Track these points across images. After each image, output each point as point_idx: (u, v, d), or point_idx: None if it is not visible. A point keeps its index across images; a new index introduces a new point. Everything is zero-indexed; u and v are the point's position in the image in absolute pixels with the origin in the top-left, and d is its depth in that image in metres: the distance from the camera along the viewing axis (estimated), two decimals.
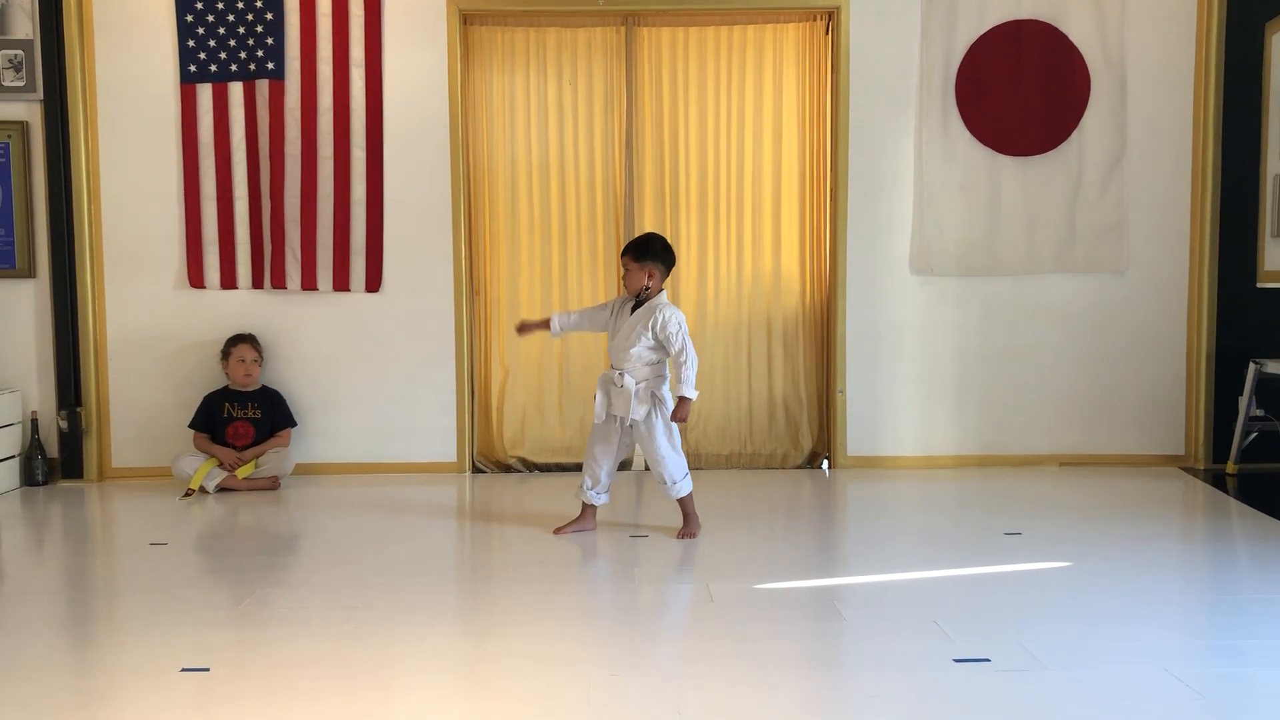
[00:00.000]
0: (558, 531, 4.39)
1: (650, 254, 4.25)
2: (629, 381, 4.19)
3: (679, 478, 4.31)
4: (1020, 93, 5.51)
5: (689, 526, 4.35)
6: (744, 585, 3.71)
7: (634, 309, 4.27)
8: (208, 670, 3.01)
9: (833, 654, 3.16)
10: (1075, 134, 5.52)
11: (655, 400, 4.24)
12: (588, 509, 4.44)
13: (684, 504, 4.37)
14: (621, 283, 4.37)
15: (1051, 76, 5.51)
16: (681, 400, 4.15)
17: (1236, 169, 5.50)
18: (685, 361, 4.15)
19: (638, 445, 4.37)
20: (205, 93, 5.44)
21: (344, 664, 3.04)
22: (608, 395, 4.27)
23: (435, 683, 2.96)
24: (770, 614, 3.43)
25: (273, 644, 3.22)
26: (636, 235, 4.44)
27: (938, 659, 3.03)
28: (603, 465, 4.35)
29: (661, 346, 4.21)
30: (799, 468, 5.71)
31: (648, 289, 4.24)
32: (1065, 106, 5.51)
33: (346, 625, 3.37)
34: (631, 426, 4.28)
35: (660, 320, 4.18)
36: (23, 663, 3.09)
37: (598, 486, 4.37)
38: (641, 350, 4.22)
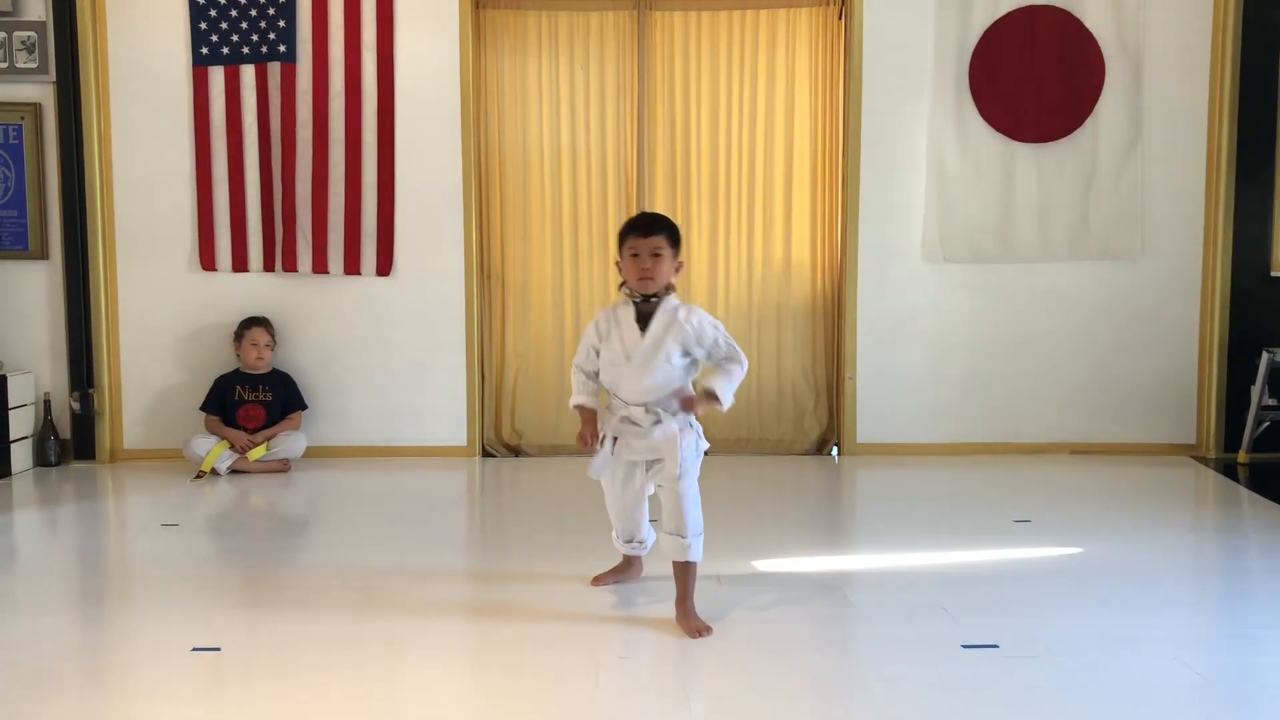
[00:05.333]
0: (597, 581, 3.53)
1: (679, 237, 3.24)
2: (669, 424, 3.15)
3: (699, 531, 3.22)
4: (1034, 79, 5.47)
5: (695, 617, 3.14)
6: (752, 570, 3.72)
7: (638, 319, 3.17)
8: (219, 650, 3.02)
9: (841, 639, 3.16)
10: (1090, 121, 5.49)
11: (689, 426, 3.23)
12: (623, 562, 3.56)
13: (690, 573, 3.19)
14: (625, 276, 3.21)
15: (1066, 62, 5.47)
16: (712, 398, 3.14)
17: (1252, 157, 5.46)
18: (738, 361, 3.18)
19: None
20: (217, 75, 5.44)
21: (354, 644, 3.06)
22: (627, 445, 3.21)
23: (444, 664, 2.97)
24: (778, 599, 3.43)
25: (283, 624, 3.23)
26: (641, 214, 3.44)
27: (946, 645, 3.03)
28: (640, 517, 3.40)
29: (693, 362, 3.21)
30: (808, 454, 5.70)
31: (670, 287, 3.19)
32: (1080, 93, 5.48)
33: (357, 606, 3.38)
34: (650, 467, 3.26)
35: (696, 332, 3.14)
36: (36, 641, 3.11)
37: (639, 536, 3.44)
38: (673, 375, 3.16)
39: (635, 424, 3.17)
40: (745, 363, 3.19)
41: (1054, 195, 5.52)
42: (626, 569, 3.54)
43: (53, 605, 3.46)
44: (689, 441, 3.17)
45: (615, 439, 3.21)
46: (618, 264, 3.23)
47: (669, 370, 3.14)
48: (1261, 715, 2.63)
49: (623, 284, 3.22)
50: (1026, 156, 5.51)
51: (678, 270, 3.19)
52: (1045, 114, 5.49)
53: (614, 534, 3.47)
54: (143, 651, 3.04)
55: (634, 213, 5.55)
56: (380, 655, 3.00)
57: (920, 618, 3.25)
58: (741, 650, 3.00)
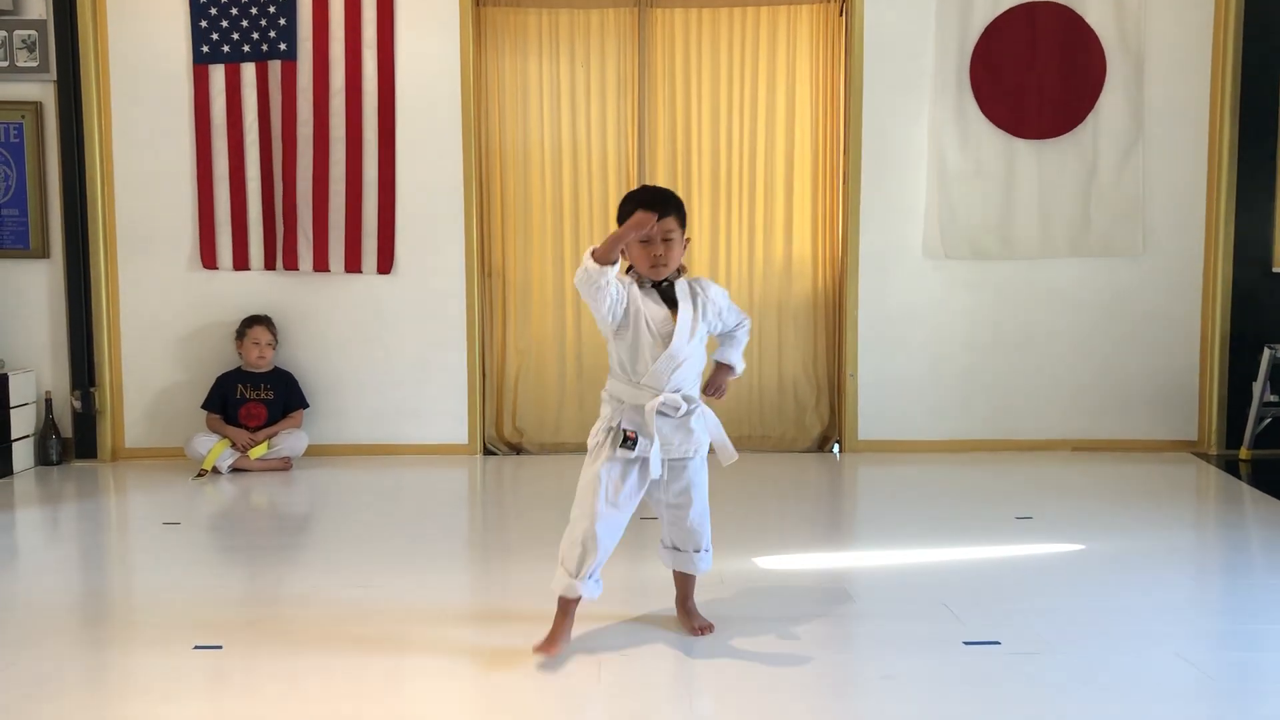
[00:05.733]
0: (546, 650, 2.94)
1: (685, 212, 2.98)
2: (708, 412, 3.00)
3: (710, 543, 3.10)
4: (1035, 75, 5.47)
5: (698, 615, 3.13)
6: (754, 567, 3.72)
7: (663, 298, 2.94)
8: (220, 648, 3.02)
9: (843, 636, 3.16)
10: (1091, 117, 5.48)
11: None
12: (570, 605, 2.98)
13: (692, 584, 3.15)
14: (632, 262, 2.94)
15: (1067, 59, 5.46)
16: (728, 369, 3.10)
17: (1253, 153, 5.45)
18: (745, 324, 3.12)
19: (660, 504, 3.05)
20: (218, 73, 5.44)
21: (355, 642, 3.06)
22: (665, 439, 2.91)
23: (446, 661, 2.96)
24: (780, 596, 3.44)
25: (285, 622, 3.23)
26: (642, 189, 3.03)
27: (948, 642, 3.03)
28: (613, 541, 2.97)
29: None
30: (809, 451, 5.70)
31: (682, 269, 3.00)
32: (1081, 89, 5.48)
33: (358, 604, 3.38)
34: (662, 474, 2.95)
35: (716, 305, 2.99)
36: (37, 640, 3.11)
37: (596, 571, 2.96)
38: (703, 355, 3.00)
39: (668, 415, 2.89)
40: (749, 320, 3.13)
41: (1055, 192, 5.51)
42: (568, 619, 2.98)
43: (54, 604, 3.46)
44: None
45: (635, 435, 2.88)
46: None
47: (701, 351, 2.97)
48: (1264, 711, 2.63)
49: (629, 269, 2.94)
50: (1027, 153, 5.50)
51: (685, 246, 2.96)
52: (1046, 111, 5.48)
53: (572, 570, 2.91)
54: (145, 649, 3.04)
55: None
56: (382, 653, 2.99)
57: (922, 615, 3.25)
58: (743, 647, 3.00)
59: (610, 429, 2.90)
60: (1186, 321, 5.60)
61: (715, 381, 3.08)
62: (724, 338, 3.11)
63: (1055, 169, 5.51)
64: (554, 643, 2.92)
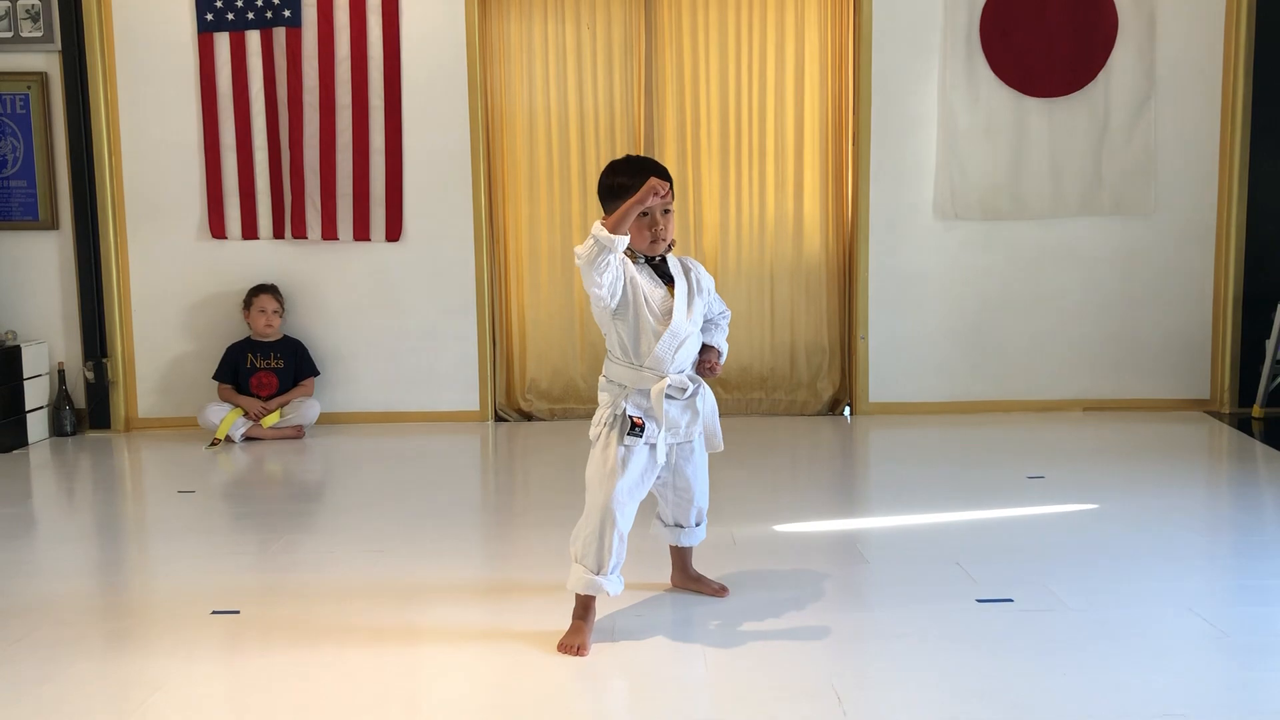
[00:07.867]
0: (578, 652, 2.76)
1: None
2: (708, 393, 2.94)
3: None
4: (1046, 33, 5.41)
5: (707, 578, 3.17)
6: (766, 529, 3.73)
7: (658, 274, 2.87)
8: (238, 613, 3.05)
9: (856, 595, 3.17)
10: (1102, 74, 5.43)
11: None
12: (591, 602, 2.88)
13: (691, 551, 3.16)
14: (642, 236, 2.82)
15: (1078, 15, 5.40)
16: (716, 353, 2.99)
17: (1267, 108, 5.39)
18: (727, 312, 3.07)
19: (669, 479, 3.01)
20: (223, 41, 5.41)
21: (370, 607, 3.08)
22: (673, 422, 2.87)
23: (460, 625, 2.98)
24: (793, 557, 3.45)
25: (300, 587, 3.26)
26: (627, 159, 2.91)
27: (961, 599, 3.04)
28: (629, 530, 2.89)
29: None
30: (820, 414, 5.70)
31: (673, 242, 2.91)
32: (1092, 46, 5.42)
33: (373, 569, 3.41)
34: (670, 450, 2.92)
35: (708, 284, 2.95)
36: (55, 607, 3.14)
37: (619, 566, 2.89)
38: (699, 337, 2.95)
39: (675, 397, 2.83)
40: (730, 312, 3.06)
41: (1066, 150, 5.47)
42: (591, 615, 2.87)
43: (73, 571, 3.49)
44: None
45: (642, 421, 2.80)
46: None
47: (698, 330, 2.91)
48: (1277, 666, 2.63)
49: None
50: (1038, 111, 5.45)
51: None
52: (1057, 68, 5.43)
53: (593, 566, 2.82)
54: (163, 615, 3.07)
55: None
56: (397, 618, 3.02)
57: (935, 573, 3.26)
58: (758, 609, 3.01)
59: (616, 416, 2.82)
60: (1199, 280, 5.56)
61: (708, 361, 2.95)
62: (707, 323, 3.00)
63: (1066, 127, 5.46)
64: (585, 645, 2.76)
